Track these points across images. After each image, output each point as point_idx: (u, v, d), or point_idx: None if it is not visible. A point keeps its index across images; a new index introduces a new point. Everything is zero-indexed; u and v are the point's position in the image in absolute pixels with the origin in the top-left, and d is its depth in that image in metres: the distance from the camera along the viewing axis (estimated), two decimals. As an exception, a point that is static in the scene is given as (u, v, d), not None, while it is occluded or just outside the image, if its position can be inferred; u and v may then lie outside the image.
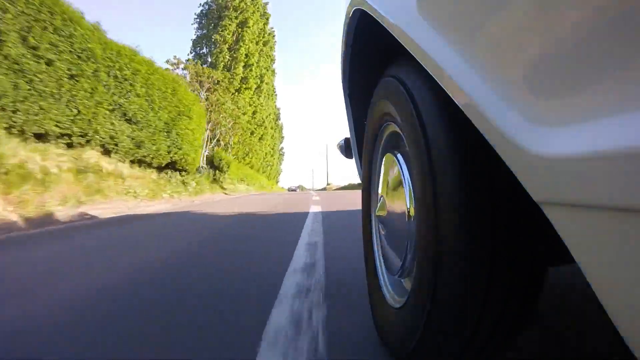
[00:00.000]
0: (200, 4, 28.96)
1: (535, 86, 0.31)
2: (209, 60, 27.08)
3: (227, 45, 26.78)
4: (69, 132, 5.38)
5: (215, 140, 17.24)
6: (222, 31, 26.77)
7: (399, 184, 0.69)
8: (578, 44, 0.27)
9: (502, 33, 0.35)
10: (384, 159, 0.81)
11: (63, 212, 4.17)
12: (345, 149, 1.46)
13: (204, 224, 3.58)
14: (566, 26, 0.28)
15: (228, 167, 15.44)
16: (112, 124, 6.40)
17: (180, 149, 9.16)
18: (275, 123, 36.10)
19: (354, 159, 1.42)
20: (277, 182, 41.90)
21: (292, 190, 34.97)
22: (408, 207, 0.64)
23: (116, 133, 6.52)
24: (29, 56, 4.55)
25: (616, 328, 0.24)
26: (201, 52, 28.29)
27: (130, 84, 6.98)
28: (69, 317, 1.06)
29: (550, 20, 0.29)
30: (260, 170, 31.37)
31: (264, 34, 29.97)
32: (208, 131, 14.93)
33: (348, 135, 1.42)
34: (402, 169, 0.68)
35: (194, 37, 28.85)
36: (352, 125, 1.28)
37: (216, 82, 17.43)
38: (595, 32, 0.25)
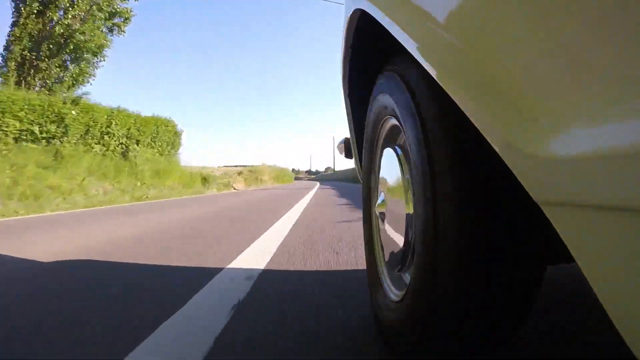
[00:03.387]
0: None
1: (535, 85, 0.31)
2: None
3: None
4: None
5: None
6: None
7: (399, 178, 0.69)
8: (578, 42, 0.27)
9: (502, 32, 0.35)
10: (383, 154, 0.81)
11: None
12: (345, 149, 1.47)
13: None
14: (566, 25, 0.28)
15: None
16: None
17: None
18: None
19: (353, 159, 1.43)
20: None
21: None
22: (407, 201, 0.64)
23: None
24: None
25: (616, 328, 0.24)
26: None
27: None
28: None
29: (550, 19, 0.29)
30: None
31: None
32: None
33: (348, 135, 1.42)
34: (401, 164, 0.68)
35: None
36: (352, 126, 1.28)
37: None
38: (595, 31, 0.25)
